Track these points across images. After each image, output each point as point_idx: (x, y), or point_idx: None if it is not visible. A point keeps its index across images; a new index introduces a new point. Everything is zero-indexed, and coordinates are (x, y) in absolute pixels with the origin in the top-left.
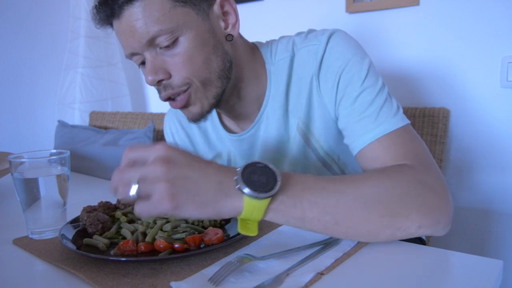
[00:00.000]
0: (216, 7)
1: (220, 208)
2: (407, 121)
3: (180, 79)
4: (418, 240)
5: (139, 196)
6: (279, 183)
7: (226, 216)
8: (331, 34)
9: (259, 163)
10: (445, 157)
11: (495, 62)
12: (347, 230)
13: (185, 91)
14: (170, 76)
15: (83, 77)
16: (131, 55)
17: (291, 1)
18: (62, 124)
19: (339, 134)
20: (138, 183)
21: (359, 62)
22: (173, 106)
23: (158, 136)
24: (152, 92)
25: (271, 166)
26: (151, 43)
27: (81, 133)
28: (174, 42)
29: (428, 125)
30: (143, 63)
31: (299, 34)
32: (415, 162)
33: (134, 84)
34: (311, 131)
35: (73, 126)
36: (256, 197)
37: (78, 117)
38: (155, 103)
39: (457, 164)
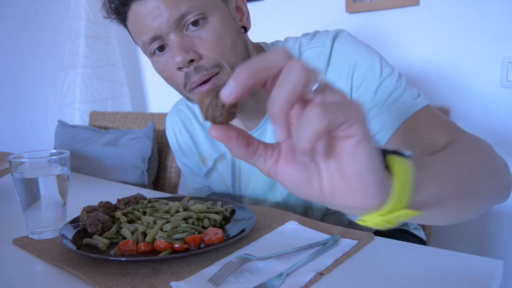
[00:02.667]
0: (232, 0)
1: (382, 176)
2: (428, 102)
3: (212, 59)
4: (418, 240)
5: None
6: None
7: (381, 193)
8: (336, 35)
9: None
10: None
11: (495, 62)
12: (479, 195)
13: (216, 74)
14: (200, 57)
15: (83, 77)
16: (152, 40)
17: (291, 1)
18: (62, 124)
19: None
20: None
21: (369, 57)
22: (200, 90)
23: (159, 136)
24: (152, 92)
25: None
26: (179, 22)
27: (81, 133)
28: (203, 21)
29: None
30: (161, 50)
31: (305, 35)
32: (462, 131)
33: (134, 84)
34: None
35: (73, 126)
36: (405, 156)
37: (78, 117)
38: (155, 103)
39: None
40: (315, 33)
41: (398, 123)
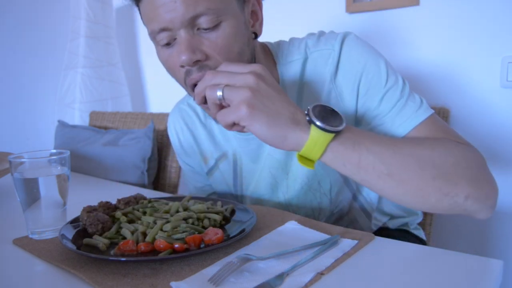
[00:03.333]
0: (248, 5)
1: (286, 133)
2: (432, 111)
3: (217, 62)
4: (418, 240)
5: (221, 99)
6: (344, 123)
7: (288, 146)
8: (344, 38)
9: (327, 106)
10: None
11: (495, 62)
12: (398, 184)
13: None
14: (206, 58)
15: (83, 77)
16: (160, 31)
17: (291, 1)
18: (62, 124)
19: None
20: (224, 87)
21: (376, 64)
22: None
23: (159, 136)
24: (152, 92)
25: (337, 110)
26: (193, 21)
27: (81, 133)
28: (215, 26)
29: None
30: (167, 44)
31: (310, 35)
32: (462, 142)
33: (134, 84)
34: None
35: (73, 126)
36: (324, 129)
37: (78, 117)
38: (155, 103)
39: None
40: (321, 34)
41: (399, 134)
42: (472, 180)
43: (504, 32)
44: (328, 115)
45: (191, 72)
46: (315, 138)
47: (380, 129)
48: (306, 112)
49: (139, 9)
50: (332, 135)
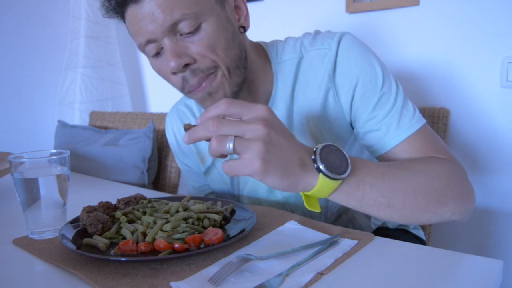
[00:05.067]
0: (230, 0)
1: (297, 182)
2: (424, 121)
3: (207, 60)
4: (418, 240)
5: (232, 151)
6: (350, 167)
7: (298, 190)
8: (340, 38)
9: (332, 145)
10: None
11: (495, 62)
12: (396, 212)
13: (212, 73)
14: (194, 61)
15: (83, 77)
16: (146, 43)
17: (291, 1)
18: (62, 124)
19: (352, 137)
20: (235, 139)
21: (373, 68)
22: (200, 90)
23: (159, 136)
24: (152, 92)
25: (342, 149)
26: (173, 28)
27: (81, 133)
28: (196, 29)
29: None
30: (157, 54)
31: (306, 35)
32: (445, 156)
33: (134, 84)
34: (324, 134)
35: (73, 126)
36: (332, 178)
37: (78, 117)
38: (155, 103)
39: None
40: (317, 33)
41: (390, 145)
42: (457, 198)
43: (504, 32)
44: (334, 157)
45: (188, 79)
46: (323, 184)
47: (373, 135)
48: (313, 152)
49: (126, 25)
50: (340, 181)
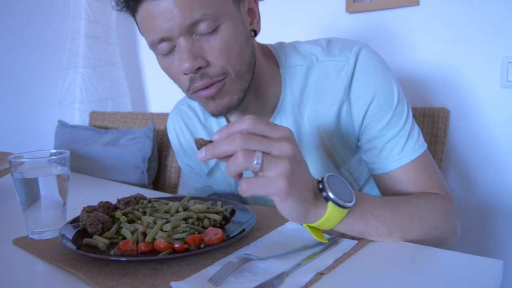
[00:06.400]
0: (245, 2)
1: (309, 210)
2: (426, 146)
3: (218, 67)
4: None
5: (257, 168)
6: (354, 196)
7: (306, 221)
8: (359, 52)
9: (335, 175)
10: (445, 157)
11: (495, 62)
12: (394, 239)
13: (221, 80)
14: (207, 64)
15: (83, 77)
16: (160, 41)
17: (291, 1)
18: (62, 124)
19: (356, 147)
20: (263, 155)
21: (389, 88)
22: (205, 94)
23: (159, 136)
24: (152, 92)
25: (343, 180)
26: (191, 28)
27: (81, 133)
28: (214, 30)
29: (428, 125)
30: (168, 52)
31: (317, 42)
32: (439, 191)
33: (134, 84)
34: (334, 143)
35: (73, 126)
36: (342, 206)
37: (78, 117)
38: (155, 103)
39: (457, 164)
40: (329, 42)
41: (391, 167)
42: (447, 230)
43: (504, 32)
44: (339, 186)
45: (195, 80)
46: (332, 214)
47: (376, 153)
48: (320, 183)
49: (135, 21)
50: (347, 210)
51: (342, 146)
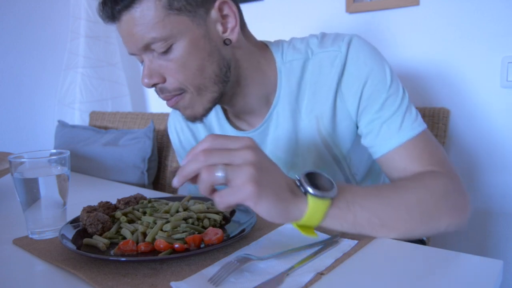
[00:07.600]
0: (214, 12)
1: (289, 208)
2: (425, 125)
3: (174, 84)
4: (418, 240)
5: (222, 179)
6: (335, 187)
7: (289, 219)
8: (350, 41)
9: (314, 171)
10: None
11: (495, 62)
12: (391, 230)
13: (179, 94)
14: (164, 80)
15: (83, 77)
16: (131, 54)
17: (291, 1)
18: (62, 124)
19: (356, 136)
20: (226, 167)
21: (381, 70)
22: (168, 105)
23: (159, 136)
24: (152, 92)
25: (324, 174)
26: (147, 48)
27: (81, 133)
28: (168, 49)
29: (428, 125)
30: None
31: (312, 36)
32: (441, 168)
33: (134, 84)
34: (332, 134)
35: (73, 126)
36: (321, 197)
37: (78, 117)
38: (155, 103)
39: (457, 164)
40: (324, 35)
41: (390, 146)
42: (451, 211)
43: (504, 32)
44: (318, 179)
45: (157, 92)
46: (314, 207)
47: (375, 135)
48: (298, 180)
49: None
50: (329, 201)
51: (340, 138)
